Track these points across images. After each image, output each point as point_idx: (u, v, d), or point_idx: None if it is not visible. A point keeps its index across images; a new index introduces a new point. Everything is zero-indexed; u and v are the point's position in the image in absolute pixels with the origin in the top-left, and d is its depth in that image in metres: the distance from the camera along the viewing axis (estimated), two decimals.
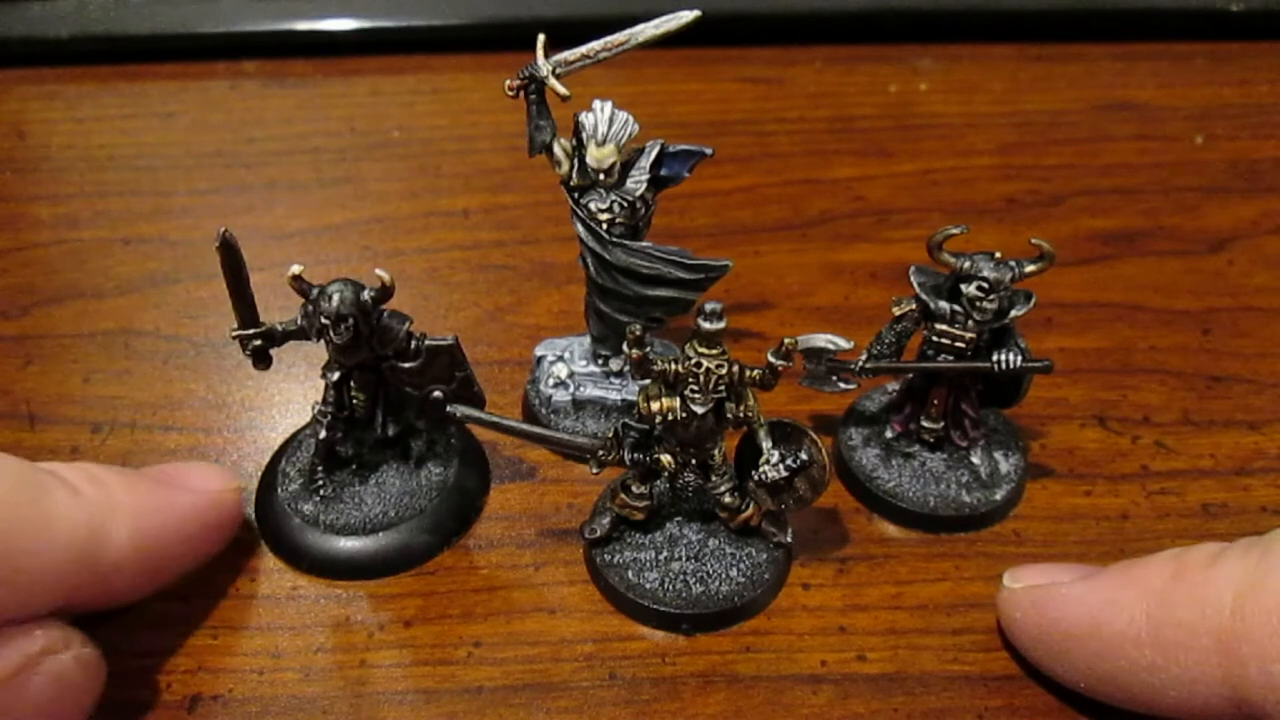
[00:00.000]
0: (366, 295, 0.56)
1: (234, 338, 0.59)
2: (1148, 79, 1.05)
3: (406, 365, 0.59)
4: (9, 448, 0.67)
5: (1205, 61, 1.07)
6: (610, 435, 0.57)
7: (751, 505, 0.59)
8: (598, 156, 0.60)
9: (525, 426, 0.60)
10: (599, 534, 0.60)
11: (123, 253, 0.84)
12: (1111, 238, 0.86)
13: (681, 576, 0.59)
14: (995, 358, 0.60)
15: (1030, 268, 0.59)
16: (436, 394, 0.61)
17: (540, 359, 0.70)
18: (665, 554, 0.60)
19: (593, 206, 0.62)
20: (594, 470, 0.58)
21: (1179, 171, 0.93)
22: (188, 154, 0.95)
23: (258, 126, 0.98)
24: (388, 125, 0.98)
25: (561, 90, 0.60)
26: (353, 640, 0.58)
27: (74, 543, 0.51)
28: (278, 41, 1.05)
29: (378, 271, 0.56)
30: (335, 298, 0.55)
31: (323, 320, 0.56)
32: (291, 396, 0.72)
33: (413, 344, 0.59)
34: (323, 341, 0.58)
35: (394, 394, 0.61)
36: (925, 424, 0.64)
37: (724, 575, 0.59)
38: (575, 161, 0.61)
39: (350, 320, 0.56)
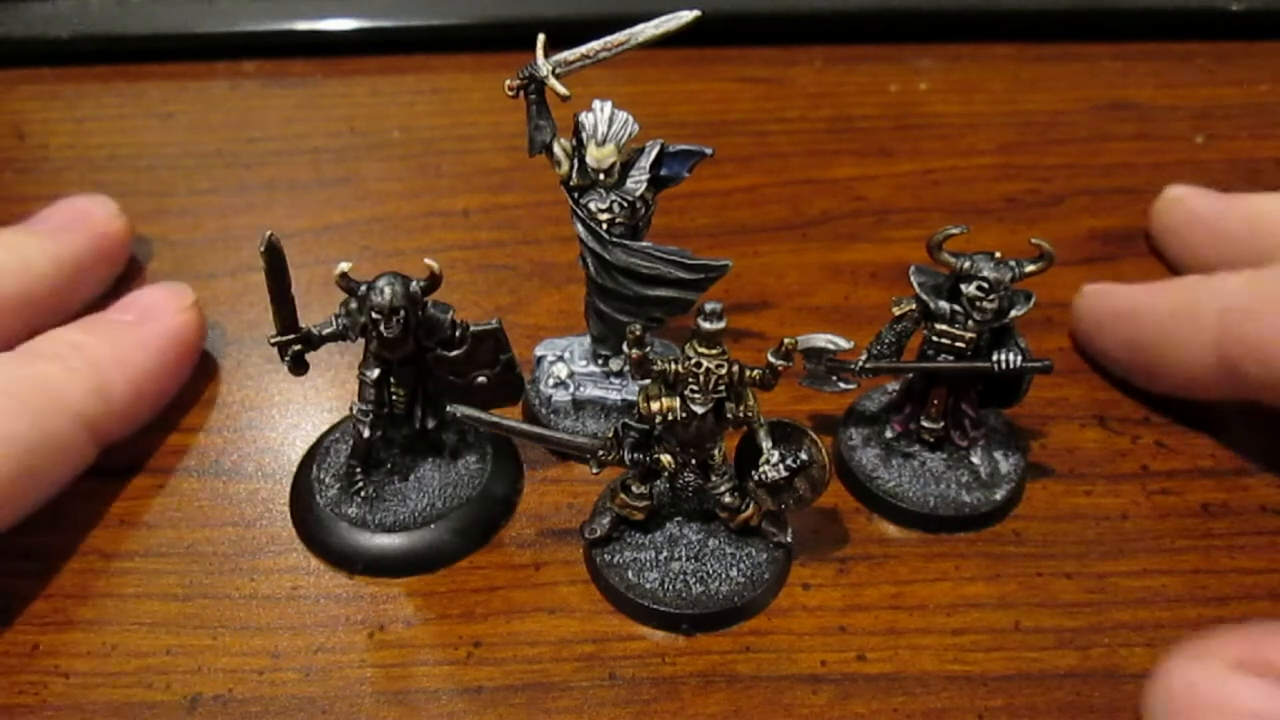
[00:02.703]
0: (415, 286, 0.56)
1: (273, 344, 0.59)
2: (1148, 79, 1.05)
3: (452, 354, 0.60)
4: None
5: (1205, 61, 1.07)
6: (610, 435, 0.57)
7: (751, 505, 0.59)
8: (598, 156, 0.60)
9: (525, 426, 0.60)
10: (599, 534, 0.60)
11: None
12: (1111, 238, 0.86)
13: (681, 576, 0.59)
14: (995, 358, 0.60)
15: (1030, 268, 0.59)
16: (481, 380, 0.61)
17: (540, 359, 0.70)
18: (665, 554, 0.60)
19: (593, 206, 0.62)
20: (594, 470, 0.58)
21: (1179, 171, 0.93)
22: (188, 154, 0.95)
23: (258, 126, 0.98)
24: (388, 125, 0.98)
25: (561, 90, 0.60)
26: (353, 640, 0.58)
27: (85, 409, 0.60)
28: (278, 41, 1.05)
29: (426, 261, 0.56)
30: (387, 291, 0.56)
31: (373, 315, 0.56)
32: (291, 397, 0.72)
33: (458, 332, 0.59)
34: (363, 339, 0.58)
35: (432, 387, 0.62)
36: (925, 424, 0.64)
37: (724, 575, 0.59)
38: (575, 161, 0.61)
39: (402, 312, 0.56)
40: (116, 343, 0.64)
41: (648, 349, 0.54)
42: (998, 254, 0.59)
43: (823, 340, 0.62)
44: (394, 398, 0.61)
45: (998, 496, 0.63)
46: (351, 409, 0.61)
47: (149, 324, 0.67)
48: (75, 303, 0.72)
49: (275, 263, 0.56)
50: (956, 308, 0.60)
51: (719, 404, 0.55)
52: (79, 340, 0.63)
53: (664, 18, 0.61)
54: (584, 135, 0.60)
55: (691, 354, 0.54)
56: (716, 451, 0.57)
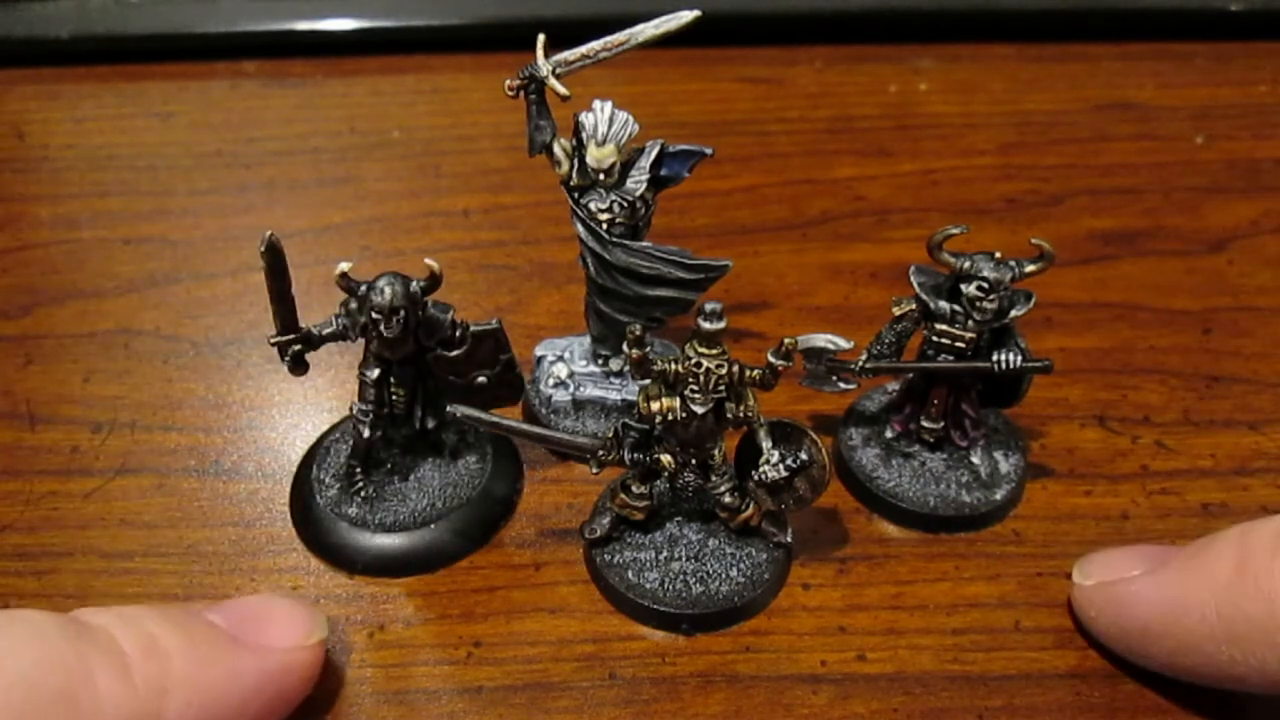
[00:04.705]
0: (415, 286, 0.56)
1: (273, 344, 0.59)
2: (1148, 79, 1.05)
3: (452, 354, 0.60)
4: (9, 447, 0.68)
5: (1205, 61, 1.07)
6: (610, 435, 0.57)
7: (751, 505, 0.58)
8: (598, 156, 0.60)
9: (525, 426, 0.60)
10: (599, 534, 0.60)
11: (123, 253, 0.84)
12: (1111, 238, 0.86)
13: (681, 576, 0.59)
14: (995, 358, 0.60)
15: (1030, 268, 0.59)
16: (481, 380, 0.61)
17: (540, 359, 0.70)
18: (665, 554, 0.60)
19: (593, 206, 0.62)
20: (594, 470, 0.58)
21: (1179, 171, 0.93)
22: (188, 154, 0.95)
23: (258, 126, 0.98)
24: (388, 125, 0.98)
25: (561, 90, 0.60)
26: (353, 640, 0.58)
27: None
28: (278, 41, 1.05)
29: (427, 261, 0.56)
30: (387, 291, 0.56)
31: (373, 315, 0.56)
32: (291, 397, 0.72)
33: (458, 332, 0.59)
34: (363, 339, 0.58)
35: (432, 387, 0.62)
36: (925, 424, 0.64)
37: (724, 575, 0.59)
38: (575, 161, 0.61)
39: (402, 312, 0.56)
40: (202, 668, 0.47)
41: (648, 349, 0.54)
42: (998, 254, 0.59)
43: (823, 340, 0.62)
44: (394, 398, 0.61)
45: (998, 496, 0.63)
46: (351, 409, 0.61)
47: (254, 652, 0.49)
48: None
49: (275, 263, 0.56)
50: (956, 308, 0.60)
51: (719, 404, 0.55)
52: (162, 643, 0.46)
53: (664, 18, 0.61)
54: (584, 135, 0.60)
55: (691, 354, 0.54)
56: (716, 451, 0.57)
